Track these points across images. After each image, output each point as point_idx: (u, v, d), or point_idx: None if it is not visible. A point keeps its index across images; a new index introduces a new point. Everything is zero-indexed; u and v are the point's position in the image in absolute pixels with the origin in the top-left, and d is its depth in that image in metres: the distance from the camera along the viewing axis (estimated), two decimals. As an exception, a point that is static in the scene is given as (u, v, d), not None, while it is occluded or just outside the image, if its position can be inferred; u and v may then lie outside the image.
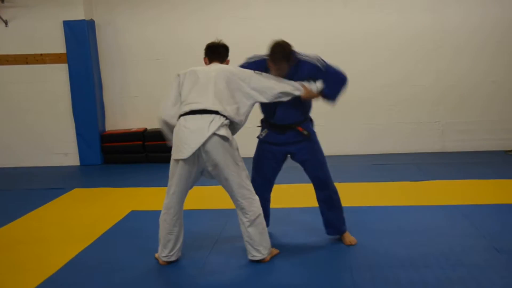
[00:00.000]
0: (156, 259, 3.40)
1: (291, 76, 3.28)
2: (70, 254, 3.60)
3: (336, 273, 3.11)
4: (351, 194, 4.94)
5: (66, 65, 7.07)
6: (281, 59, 3.16)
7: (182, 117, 3.14)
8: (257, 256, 3.24)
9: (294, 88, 3.28)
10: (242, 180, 3.16)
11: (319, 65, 3.28)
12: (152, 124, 7.21)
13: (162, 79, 7.14)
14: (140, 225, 4.21)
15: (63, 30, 6.95)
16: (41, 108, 7.26)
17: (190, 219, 3.92)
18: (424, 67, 6.84)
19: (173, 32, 7.14)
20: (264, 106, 3.44)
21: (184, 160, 3.10)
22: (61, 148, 7.35)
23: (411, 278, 2.97)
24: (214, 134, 3.03)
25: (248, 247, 3.26)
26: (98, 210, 4.83)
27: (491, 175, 5.46)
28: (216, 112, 3.09)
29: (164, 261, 3.34)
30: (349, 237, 3.56)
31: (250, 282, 3.05)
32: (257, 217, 3.20)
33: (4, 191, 5.89)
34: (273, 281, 3.05)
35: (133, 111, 7.41)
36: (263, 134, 3.47)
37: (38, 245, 3.88)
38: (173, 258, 3.33)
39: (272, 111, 3.40)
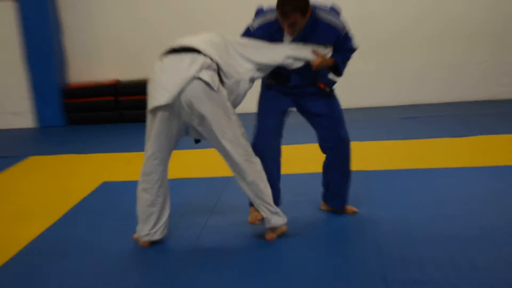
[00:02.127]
0: (135, 240, 3.38)
1: (305, 37, 3.22)
2: (27, 237, 3.56)
3: (363, 253, 3.06)
4: (375, 154, 4.92)
5: (13, 1, 6.94)
6: (293, 10, 3.04)
7: (158, 59, 3.09)
8: (279, 220, 3.26)
9: (305, 52, 3.25)
10: (237, 137, 3.11)
11: (341, 32, 3.24)
12: (126, 74, 7.17)
13: (137, 18, 7.06)
14: (114, 199, 4.18)
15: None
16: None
17: (177, 190, 3.88)
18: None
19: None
20: (274, 74, 3.38)
21: (161, 110, 3.03)
22: (11, 106, 7.30)
23: (451, 256, 2.92)
24: (195, 78, 2.95)
25: (265, 212, 3.26)
26: (60, 182, 4.79)
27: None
28: (199, 52, 3.02)
29: (145, 241, 3.31)
30: (350, 207, 3.66)
31: (256, 269, 3.00)
32: (259, 182, 3.19)
33: None
34: (287, 265, 3.02)
35: (101, 59, 7.34)
36: (272, 82, 3.42)
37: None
38: (156, 237, 3.30)
39: (284, 77, 3.37)
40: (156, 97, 3.00)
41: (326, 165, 3.57)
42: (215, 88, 2.99)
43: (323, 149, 3.53)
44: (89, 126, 7.10)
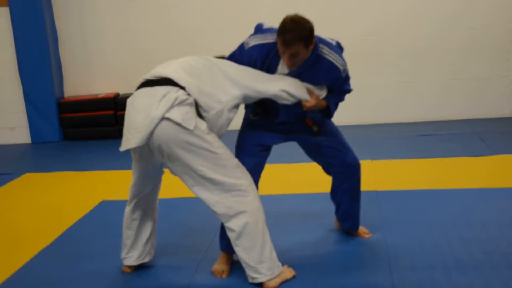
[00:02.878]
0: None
1: (302, 72, 3.08)
2: (16, 263, 3.57)
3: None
4: (391, 174, 4.93)
5: (7, 8, 6.99)
6: (296, 40, 2.87)
7: (133, 93, 3.03)
8: (257, 277, 3.04)
9: (301, 91, 3.10)
10: (226, 172, 2.97)
11: (341, 73, 3.12)
12: (126, 87, 7.17)
13: (139, 27, 7.10)
14: (113, 219, 4.15)
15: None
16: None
17: (180, 210, 3.89)
18: (486, 1, 6.71)
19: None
20: (260, 107, 3.25)
21: (133, 151, 3.04)
22: (5, 120, 7.34)
23: (468, 282, 2.94)
24: (164, 118, 2.82)
25: (244, 266, 3.09)
26: (57, 201, 4.82)
27: None
28: (174, 84, 2.90)
29: (125, 266, 3.37)
30: (362, 229, 3.66)
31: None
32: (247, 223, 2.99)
33: None
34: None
35: (100, 71, 7.37)
36: (256, 117, 3.29)
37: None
38: (129, 262, 3.34)
39: (272, 111, 3.23)
40: (128, 137, 2.93)
41: (334, 188, 3.54)
42: (190, 127, 2.84)
43: (329, 173, 3.51)
44: (86, 142, 7.12)
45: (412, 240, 3.52)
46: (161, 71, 2.99)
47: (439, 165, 5.20)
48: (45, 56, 7.06)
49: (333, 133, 3.39)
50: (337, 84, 3.18)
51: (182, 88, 2.88)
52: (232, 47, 3.24)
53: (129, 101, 3.00)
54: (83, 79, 7.41)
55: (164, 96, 2.85)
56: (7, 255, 3.74)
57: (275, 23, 2.99)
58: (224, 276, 3.22)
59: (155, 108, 2.83)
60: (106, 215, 4.38)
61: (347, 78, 3.22)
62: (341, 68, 3.08)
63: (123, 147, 2.97)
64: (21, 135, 7.36)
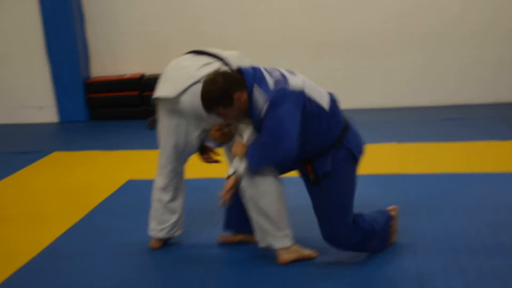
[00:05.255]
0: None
1: (256, 120, 2.82)
2: (47, 238, 3.63)
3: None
4: (415, 157, 4.89)
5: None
6: (211, 107, 2.77)
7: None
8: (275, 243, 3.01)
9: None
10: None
11: (264, 111, 2.73)
12: (151, 68, 7.19)
13: (164, 7, 7.08)
14: (140, 198, 4.16)
15: None
16: (4, 47, 7.31)
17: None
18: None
19: None
20: None
21: (163, 103, 3.04)
22: (34, 100, 7.43)
23: (487, 267, 2.90)
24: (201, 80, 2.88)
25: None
26: (85, 179, 4.87)
27: None
28: (221, 60, 3.00)
29: (154, 240, 3.36)
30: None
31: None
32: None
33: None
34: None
35: (125, 52, 7.39)
36: None
37: (4, 226, 3.92)
38: (159, 235, 3.34)
39: None
40: (161, 87, 3.03)
41: None
42: None
43: None
44: (112, 122, 7.18)
45: (437, 223, 3.48)
46: (211, 49, 3.09)
47: (464, 148, 5.14)
48: (72, 37, 7.12)
49: (332, 194, 2.93)
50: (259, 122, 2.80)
51: (227, 65, 2.97)
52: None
53: (171, 62, 3.11)
54: (109, 60, 7.44)
55: (209, 63, 2.97)
56: (40, 229, 3.80)
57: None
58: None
59: (197, 69, 2.95)
60: (132, 194, 4.41)
61: (271, 113, 2.72)
62: (263, 106, 2.74)
63: (155, 95, 3.05)
64: (49, 114, 7.45)
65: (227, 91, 2.73)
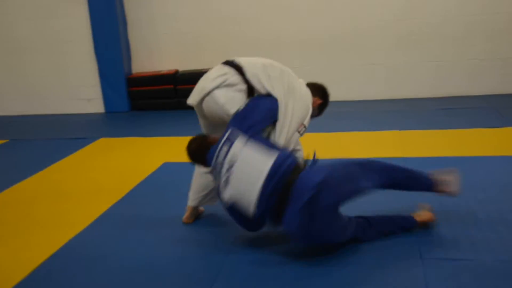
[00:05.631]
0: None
1: None
2: (96, 211, 3.71)
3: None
4: (417, 143, 4.87)
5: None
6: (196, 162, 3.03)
7: None
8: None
9: None
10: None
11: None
12: (184, 65, 7.25)
13: (196, 13, 7.12)
14: (174, 178, 4.26)
15: (80, -43, 6.97)
16: (60, 49, 7.43)
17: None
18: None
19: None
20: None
21: (195, 107, 3.12)
22: (83, 93, 7.55)
23: (477, 238, 2.91)
24: (211, 92, 2.94)
25: None
26: (127, 161, 4.95)
27: None
28: (239, 69, 2.96)
29: (189, 206, 3.32)
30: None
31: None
32: None
33: (23, 141, 6.10)
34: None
35: (162, 51, 7.44)
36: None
37: (61, 200, 4.02)
38: (194, 203, 3.30)
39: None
40: (191, 94, 3.09)
41: None
42: (229, 111, 2.90)
43: None
44: (150, 112, 7.23)
45: (433, 201, 3.39)
46: (240, 58, 3.06)
47: (457, 135, 5.08)
48: (116, 39, 7.18)
49: (317, 239, 2.69)
50: None
51: (242, 74, 2.94)
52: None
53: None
54: (148, 58, 7.49)
55: (223, 75, 2.94)
56: (92, 203, 3.89)
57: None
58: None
59: (210, 81, 2.95)
60: (167, 174, 4.45)
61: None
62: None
63: (187, 101, 3.12)
64: (96, 105, 7.55)
65: (195, 156, 2.96)
